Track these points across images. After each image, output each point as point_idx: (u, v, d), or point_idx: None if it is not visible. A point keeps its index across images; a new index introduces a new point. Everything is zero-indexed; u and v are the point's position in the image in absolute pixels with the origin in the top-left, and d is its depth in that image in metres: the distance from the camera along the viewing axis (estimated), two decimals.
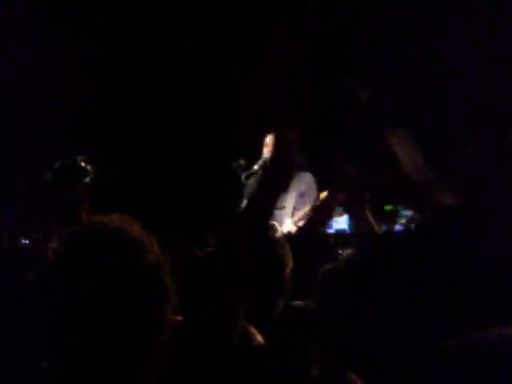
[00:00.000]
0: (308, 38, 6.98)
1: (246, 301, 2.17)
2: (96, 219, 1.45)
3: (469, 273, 1.88)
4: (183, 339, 1.48)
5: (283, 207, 5.67)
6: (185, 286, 1.50)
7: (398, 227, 6.23)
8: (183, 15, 7.07)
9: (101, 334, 1.39)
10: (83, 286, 1.35)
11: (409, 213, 6.32)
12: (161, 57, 7.16)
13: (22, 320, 2.10)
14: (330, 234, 6.48)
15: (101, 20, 6.94)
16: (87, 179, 3.14)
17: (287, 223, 5.62)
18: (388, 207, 6.42)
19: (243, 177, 5.61)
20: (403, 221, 6.29)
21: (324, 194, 5.24)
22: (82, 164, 3.02)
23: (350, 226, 5.97)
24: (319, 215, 5.18)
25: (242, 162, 5.63)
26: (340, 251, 4.45)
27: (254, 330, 2.39)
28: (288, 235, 5.30)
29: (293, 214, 5.66)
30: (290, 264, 2.81)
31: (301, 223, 5.54)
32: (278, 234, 5.44)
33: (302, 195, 5.68)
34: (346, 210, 6.03)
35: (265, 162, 5.62)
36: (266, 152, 5.67)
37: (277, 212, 5.65)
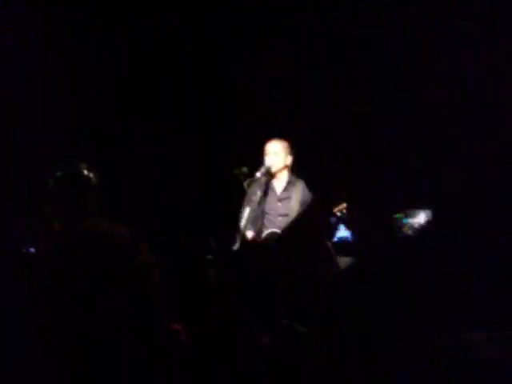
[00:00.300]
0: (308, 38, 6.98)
1: None
2: (90, 224, 1.45)
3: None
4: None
5: (287, 215, 5.70)
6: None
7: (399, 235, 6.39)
8: (183, 15, 7.06)
9: (98, 332, 1.39)
10: (80, 284, 1.35)
11: (410, 221, 6.46)
12: (161, 57, 7.15)
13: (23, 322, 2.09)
14: (330, 242, 6.60)
15: (101, 20, 6.93)
16: (90, 187, 3.12)
17: None
18: (398, 215, 6.57)
19: (245, 184, 5.65)
20: (405, 229, 6.44)
21: (343, 206, 5.34)
22: (85, 172, 2.99)
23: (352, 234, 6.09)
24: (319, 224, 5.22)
25: (244, 169, 5.67)
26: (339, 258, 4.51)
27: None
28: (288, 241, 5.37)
29: None
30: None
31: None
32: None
33: (302, 203, 5.73)
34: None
35: (266, 170, 5.67)
36: (268, 159, 5.74)
37: (280, 219, 5.69)
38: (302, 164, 6.04)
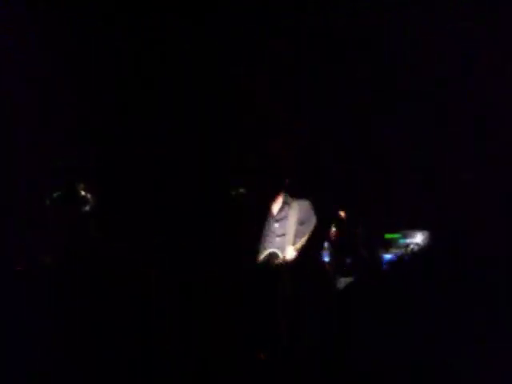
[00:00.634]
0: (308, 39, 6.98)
1: None
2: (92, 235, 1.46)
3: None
4: None
5: (284, 235, 5.76)
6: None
7: (392, 255, 6.65)
8: (183, 15, 7.06)
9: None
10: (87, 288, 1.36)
11: (408, 241, 6.68)
12: (161, 57, 7.16)
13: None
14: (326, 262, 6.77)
15: (101, 20, 6.93)
16: (87, 207, 3.11)
17: (289, 250, 5.70)
18: (390, 236, 6.78)
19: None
20: (403, 248, 6.68)
21: (343, 213, 5.42)
22: (83, 193, 2.97)
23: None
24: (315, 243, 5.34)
25: (241, 190, 5.76)
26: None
27: None
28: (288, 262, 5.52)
29: (294, 242, 5.71)
30: None
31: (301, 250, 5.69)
32: (280, 261, 5.55)
33: (301, 223, 5.78)
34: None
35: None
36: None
37: (278, 239, 5.72)
38: (302, 164, 6.05)
